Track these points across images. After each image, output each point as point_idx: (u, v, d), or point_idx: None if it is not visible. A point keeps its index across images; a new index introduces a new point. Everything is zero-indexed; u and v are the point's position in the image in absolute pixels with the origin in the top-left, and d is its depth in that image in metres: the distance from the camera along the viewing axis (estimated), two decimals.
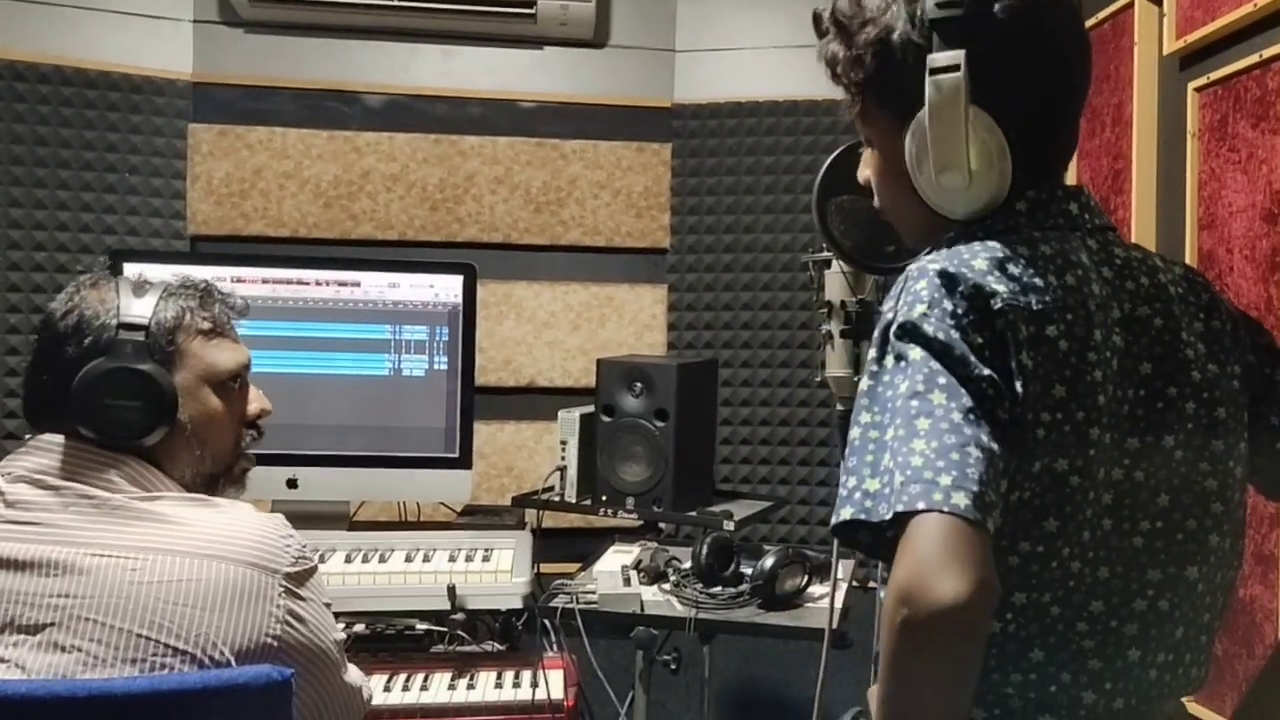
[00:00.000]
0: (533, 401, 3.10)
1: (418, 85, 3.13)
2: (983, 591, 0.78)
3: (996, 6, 0.96)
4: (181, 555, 1.11)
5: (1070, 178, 2.20)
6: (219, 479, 1.33)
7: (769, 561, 1.87)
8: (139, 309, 1.24)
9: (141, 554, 1.10)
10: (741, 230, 3.18)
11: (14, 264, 2.83)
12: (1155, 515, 0.97)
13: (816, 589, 1.83)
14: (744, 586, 1.92)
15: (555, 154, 3.17)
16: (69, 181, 2.88)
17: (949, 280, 0.91)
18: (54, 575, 1.08)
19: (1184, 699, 1.05)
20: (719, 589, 1.95)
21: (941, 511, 0.79)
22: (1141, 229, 1.98)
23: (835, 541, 0.96)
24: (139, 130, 2.96)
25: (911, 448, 0.83)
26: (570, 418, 2.42)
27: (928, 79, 0.95)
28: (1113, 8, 2.05)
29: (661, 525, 2.43)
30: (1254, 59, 1.67)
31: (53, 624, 1.06)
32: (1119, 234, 1.07)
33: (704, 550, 1.99)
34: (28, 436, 1.22)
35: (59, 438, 1.19)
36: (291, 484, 2.30)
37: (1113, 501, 0.95)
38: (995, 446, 0.85)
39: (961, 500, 0.80)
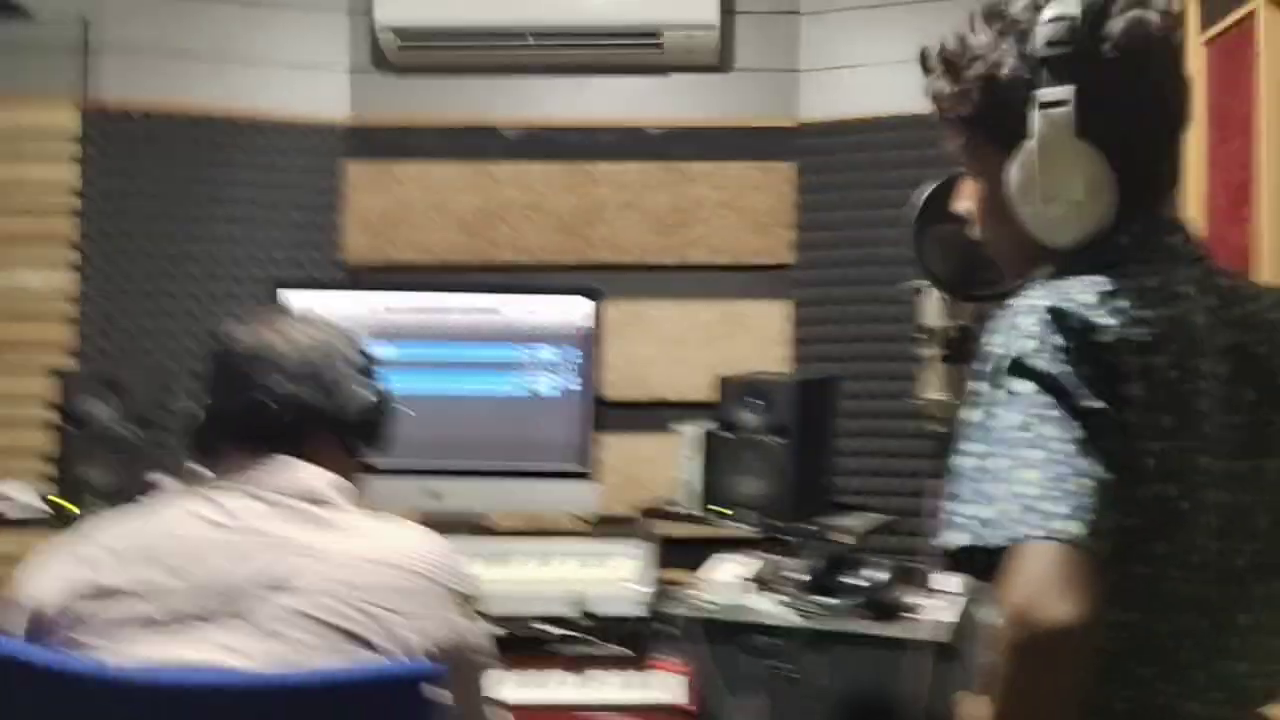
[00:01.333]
0: (661, 416, 3.20)
1: (550, 117, 3.30)
2: (1093, 614, 0.84)
3: (1105, 45, 1.01)
4: (383, 564, 1.26)
5: (1200, 187, 2.17)
6: None
7: (883, 575, 1.91)
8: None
9: (351, 560, 1.26)
10: (867, 246, 3.20)
11: (191, 294, 3.14)
12: (1259, 536, 1.00)
13: (927, 602, 1.86)
14: (856, 598, 1.97)
15: (681, 177, 3.28)
16: (239, 217, 3.18)
17: (1058, 315, 0.95)
18: (276, 575, 1.24)
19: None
20: (831, 600, 2.00)
21: (1057, 539, 0.86)
22: (1271, 240, 1.93)
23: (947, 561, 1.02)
24: (300, 171, 3.24)
25: (1026, 478, 0.89)
26: (692, 432, 2.51)
27: (1038, 112, 1.01)
28: (1236, 15, 2.01)
29: (780, 537, 2.49)
30: None
31: (272, 617, 1.21)
32: (1215, 263, 1.09)
33: (818, 563, 2.04)
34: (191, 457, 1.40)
35: (278, 456, 1.34)
36: (434, 495, 2.48)
37: (1220, 525, 0.98)
38: (1107, 476, 0.90)
39: (1074, 528, 0.86)
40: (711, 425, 2.46)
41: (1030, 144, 1.01)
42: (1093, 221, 1.03)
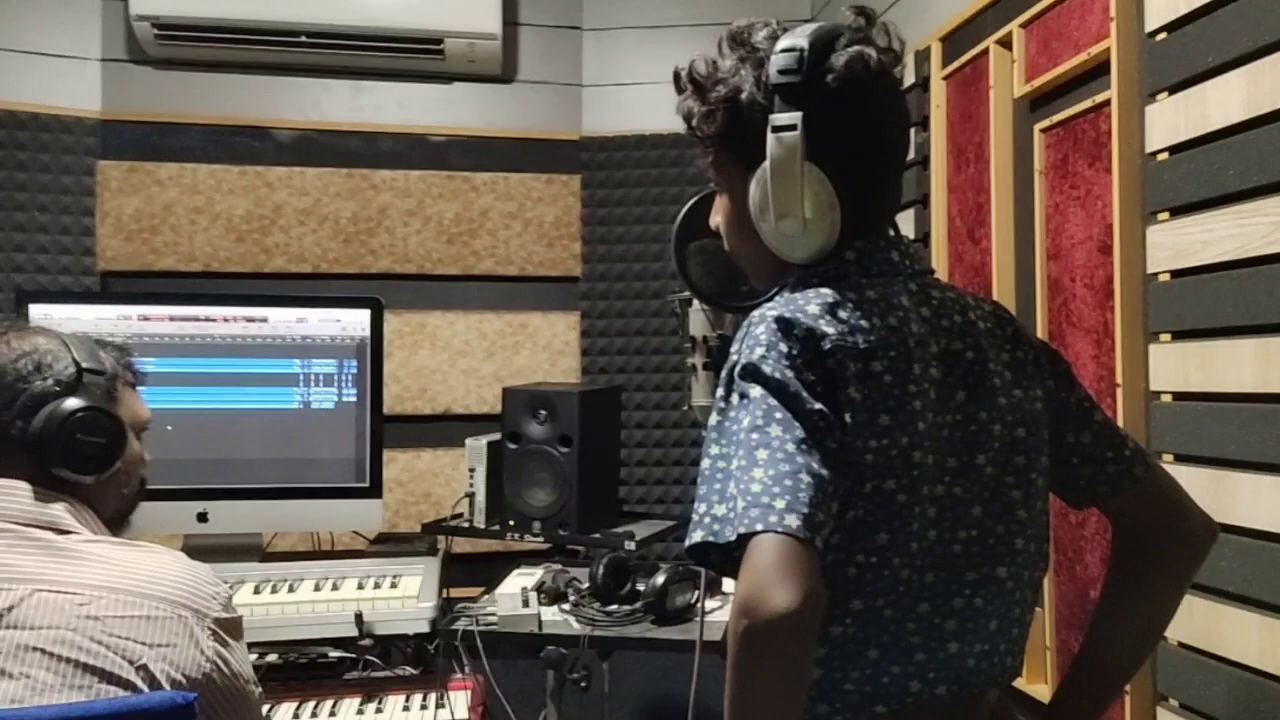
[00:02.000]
0: (448, 429, 3.17)
1: (328, 120, 3.19)
2: (811, 599, 0.90)
3: (829, 77, 1.08)
4: (124, 593, 1.17)
5: (940, 211, 2.35)
6: (126, 517, 1.41)
7: (660, 579, 1.96)
8: (89, 355, 1.32)
9: (88, 590, 1.17)
10: (650, 259, 3.29)
11: None
12: (971, 524, 1.09)
13: (707, 603, 1.92)
14: (638, 604, 2.01)
15: (466, 186, 3.25)
16: None
17: (785, 325, 1.03)
18: (3, 609, 1.13)
19: (1006, 686, 1.16)
20: (615, 607, 2.04)
21: (776, 532, 0.90)
22: (1001, 259, 2.13)
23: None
24: (47, 168, 2.98)
25: (752, 476, 0.94)
26: (478, 445, 2.49)
27: (770, 135, 1.07)
28: (972, 53, 2.20)
29: (570, 547, 2.51)
30: (1088, 103, 1.82)
31: (1, 652, 1.11)
32: (934, 276, 1.19)
33: (600, 570, 2.08)
34: None
35: (3, 480, 1.23)
36: (202, 518, 2.34)
37: (936, 515, 1.06)
38: (825, 472, 0.96)
39: (793, 521, 0.91)
40: (497, 437, 2.45)
41: (765, 164, 1.09)
42: (821, 238, 1.11)
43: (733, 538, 0.93)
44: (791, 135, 1.06)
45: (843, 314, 1.04)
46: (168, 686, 1.17)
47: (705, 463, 1.00)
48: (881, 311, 1.07)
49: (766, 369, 0.99)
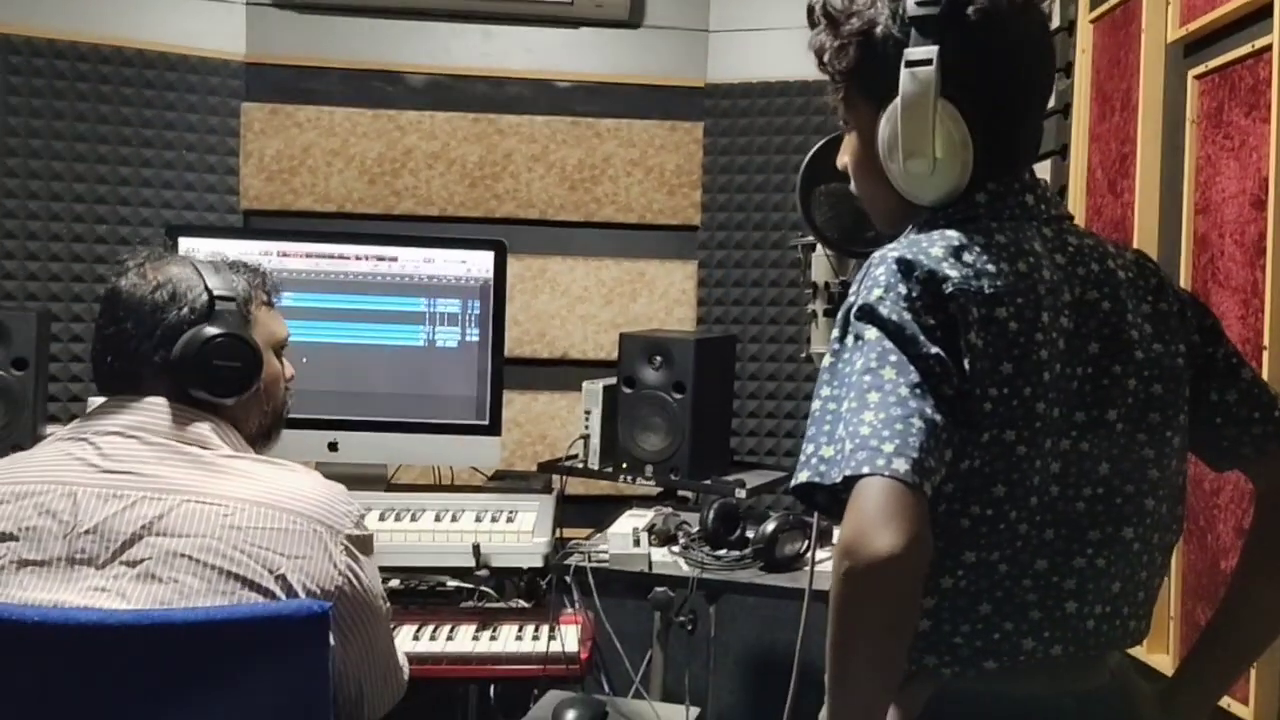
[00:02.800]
0: (565, 373, 3.22)
1: (458, 65, 3.24)
2: (916, 545, 0.88)
3: (970, 9, 1.04)
4: (265, 506, 1.25)
5: (1080, 161, 2.25)
6: (270, 433, 1.49)
7: (770, 526, 1.97)
8: (222, 282, 1.39)
9: (232, 502, 1.25)
10: (771, 209, 3.25)
11: (77, 235, 3.02)
12: (1097, 482, 1.05)
13: (818, 553, 1.92)
14: (747, 550, 2.03)
15: (590, 132, 3.27)
16: (129, 158, 3.06)
17: (906, 266, 1.00)
18: (154, 517, 1.22)
19: (1128, 650, 1.13)
20: (724, 552, 2.06)
21: (883, 475, 0.89)
22: (1144, 213, 2.03)
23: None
24: (195, 109, 3.13)
25: (862, 419, 0.93)
26: (594, 389, 2.53)
27: (903, 70, 1.04)
28: None
29: (680, 493, 2.54)
30: (1248, 49, 1.70)
31: (150, 558, 1.20)
32: (1073, 223, 1.15)
33: (710, 515, 2.09)
34: (93, 399, 1.38)
35: (151, 398, 1.32)
36: (333, 447, 2.45)
37: (1060, 470, 1.03)
38: (938, 418, 0.94)
39: (901, 465, 0.89)
40: (612, 381, 2.48)
41: (896, 100, 1.05)
42: (951, 179, 1.07)
43: (839, 480, 0.92)
44: (926, 70, 1.03)
45: (968, 257, 1.01)
46: (303, 595, 1.24)
47: (816, 404, 0.99)
48: (1011, 257, 1.03)
49: (884, 310, 0.97)
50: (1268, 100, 1.62)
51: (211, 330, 1.34)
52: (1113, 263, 1.10)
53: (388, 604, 1.40)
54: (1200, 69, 1.84)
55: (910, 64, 1.04)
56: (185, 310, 1.35)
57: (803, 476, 0.96)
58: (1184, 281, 1.88)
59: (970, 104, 1.05)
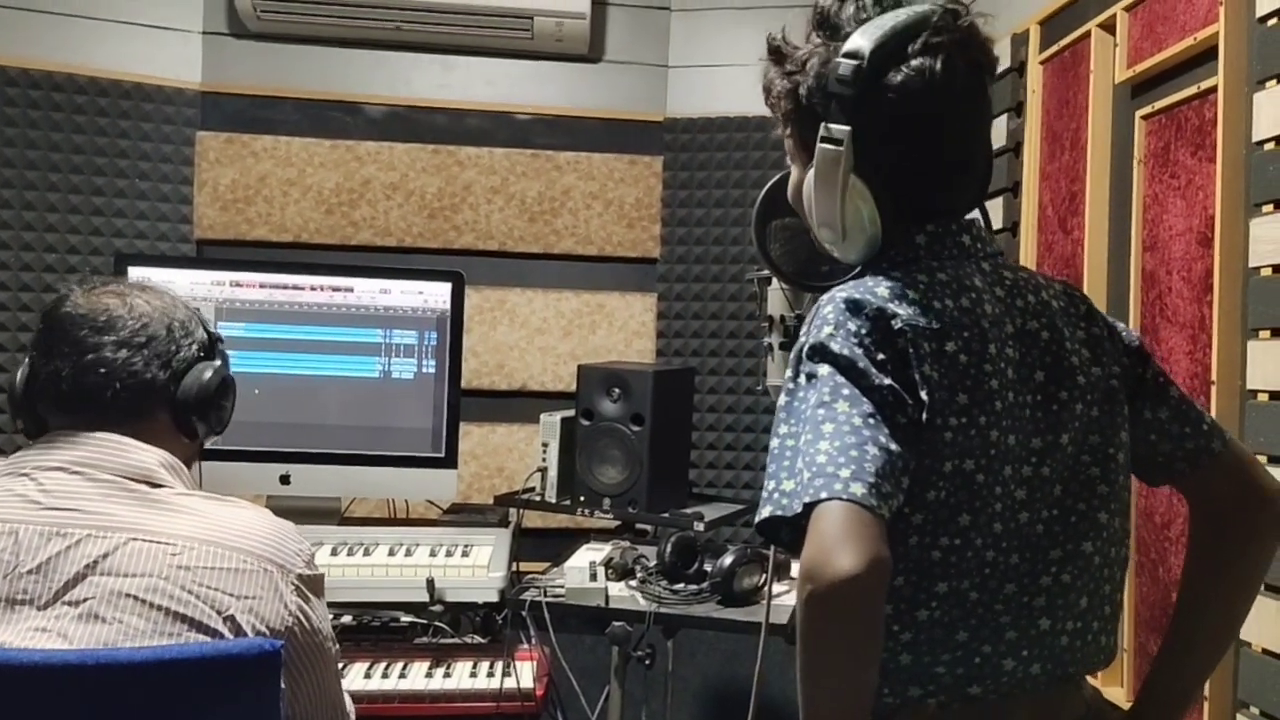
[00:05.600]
0: (524, 405, 3.20)
1: (417, 96, 3.24)
2: (876, 565, 0.89)
3: (887, 93, 1.04)
4: (214, 545, 1.22)
5: (1031, 199, 2.29)
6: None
7: (727, 560, 1.96)
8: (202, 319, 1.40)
9: (181, 540, 1.21)
10: (729, 242, 3.27)
11: (26, 264, 2.96)
12: (1052, 504, 1.07)
13: (775, 586, 1.92)
14: (704, 584, 2.01)
15: (550, 165, 3.27)
16: (80, 186, 3.01)
17: (854, 305, 1.02)
18: (98, 556, 1.18)
19: (1101, 669, 1.14)
20: (682, 586, 2.04)
21: (840, 499, 0.90)
22: (1094, 249, 2.07)
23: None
24: (149, 137, 3.09)
25: (818, 449, 0.94)
26: (551, 421, 2.51)
27: (818, 144, 1.05)
28: (1072, 36, 2.14)
29: (639, 525, 2.52)
30: (1193, 90, 1.75)
31: (93, 598, 1.16)
32: (1004, 258, 1.17)
33: (668, 548, 2.08)
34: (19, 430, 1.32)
35: (101, 433, 1.26)
36: (284, 480, 2.41)
37: (1026, 496, 1.05)
38: (893, 446, 0.95)
39: (858, 489, 0.91)
40: (570, 413, 2.47)
41: (810, 171, 1.07)
42: (857, 250, 1.09)
43: (799, 509, 0.92)
44: (837, 150, 1.04)
45: (913, 295, 1.03)
46: (251, 637, 1.21)
47: (774, 442, 1.00)
48: (954, 293, 1.05)
49: (835, 347, 0.99)
50: (1213, 140, 1.67)
51: (218, 367, 1.36)
52: (1045, 294, 1.13)
53: (337, 646, 1.37)
54: (1147, 109, 1.89)
55: (825, 140, 1.05)
56: (195, 347, 1.35)
57: (766, 512, 0.97)
58: (1133, 317, 1.91)
59: (885, 178, 1.06)
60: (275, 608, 1.23)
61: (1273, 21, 1.54)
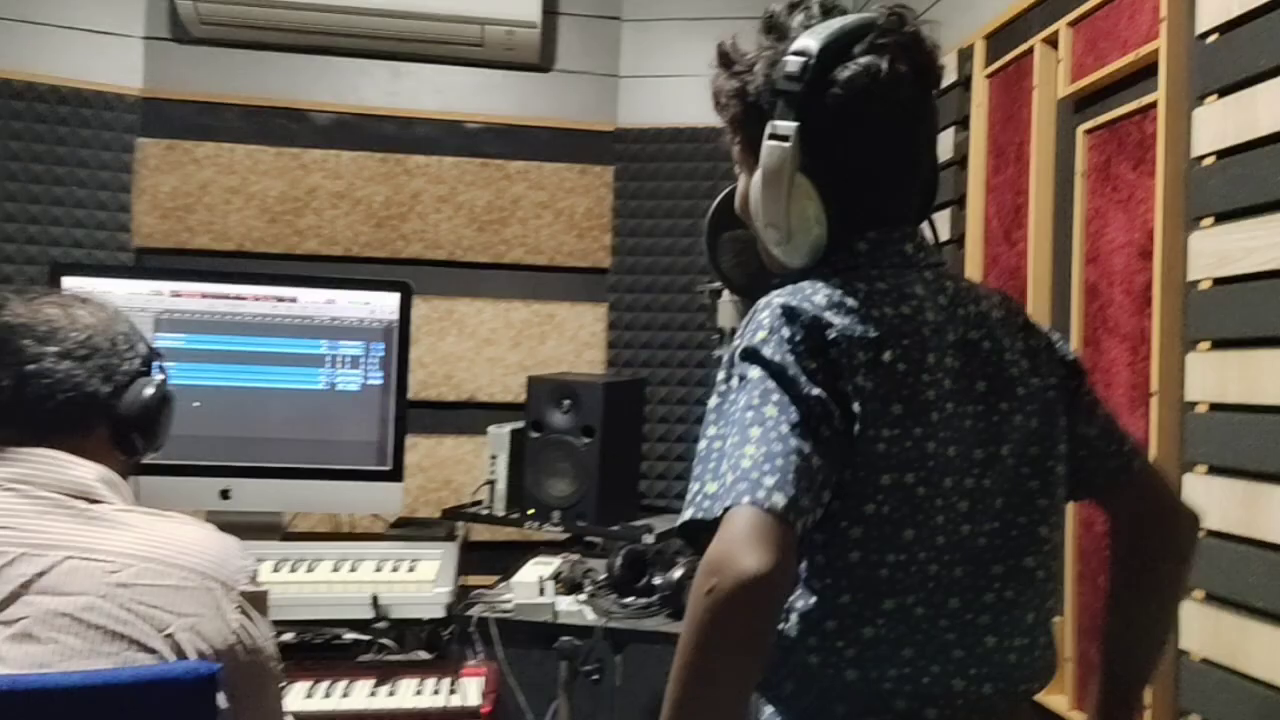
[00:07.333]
0: (472, 416, 3.17)
1: (365, 104, 3.20)
2: (780, 570, 0.88)
3: (832, 89, 1.04)
4: (154, 562, 1.18)
5: (976, 212, 2.31)
6: None
7: (677, 573, 1.95)
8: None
9: (120, 558, 1.17)
10: (680, 253, 3.27)
11: None
12: (994, 516, 1.07)
13: None
14: (654, 597, 2.00)
15: (499, 174, 3.25)
16: (16, 194, 2.93)
17: (789, 312, 1.01)
18: (34, 574, 1.14)
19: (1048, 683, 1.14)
20: (631, 599, 2.02)
21: (760, 507, 0.89)
22: (1038, 262, 2.09)
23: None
24: (87, 144, 3.01)
25: (744, 452, 0.93)
26: (500, 433, 2.49)
27: (765, 141, 1.05)
28: (1017, 51, 2.16)
29: (588, 539, 2.50)
30: (1134, 105, 1.78)
31: (27, 617, 1.11)
32: (946, 268, 1.17)
33: (618, 562, 2.06)
34: None
35: (39, 449, 1.22)
36: (225, 494, 2.35)
37: (969, 508, 1.05)
38: (816, 459, 0.94)
39: (779, 500, 0.90)
40: (520, 425, 2.44)
41: (758, 171, 1.07)
42: (802, 252, 1.08)
43: (719, 513, 0.91)
44: (784, 146, 1.03)
45: (851, 303, 1.03)
46: (193, 656, 1.17)
47: (702, 443, 0.99)
48: (894, 301, 1.05)
49: (766, 352, 0.98)
50: (1153, 154, 1.69)
51: (160, 381, 1.33)
52: (985, 304, 1.13)
53: (280, 665, 1.33)
54: (1089, 124, 1.92)
55: (772, 136, 1.04)
56: (138, 361, 1.32)
57: (687, 514, 0.96)
58: (1075, 329, 1.93)
59: (831, 178, 1.06)
60: (217, 626, 1.20)
61: (1213, 38, 1.57)
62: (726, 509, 0.91)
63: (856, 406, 0.99)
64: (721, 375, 1.02)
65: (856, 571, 1.00)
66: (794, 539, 0.91)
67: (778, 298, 1.03)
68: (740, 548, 0.87)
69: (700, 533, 0.94)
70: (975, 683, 1.05)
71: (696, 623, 0.88)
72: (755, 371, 0.98)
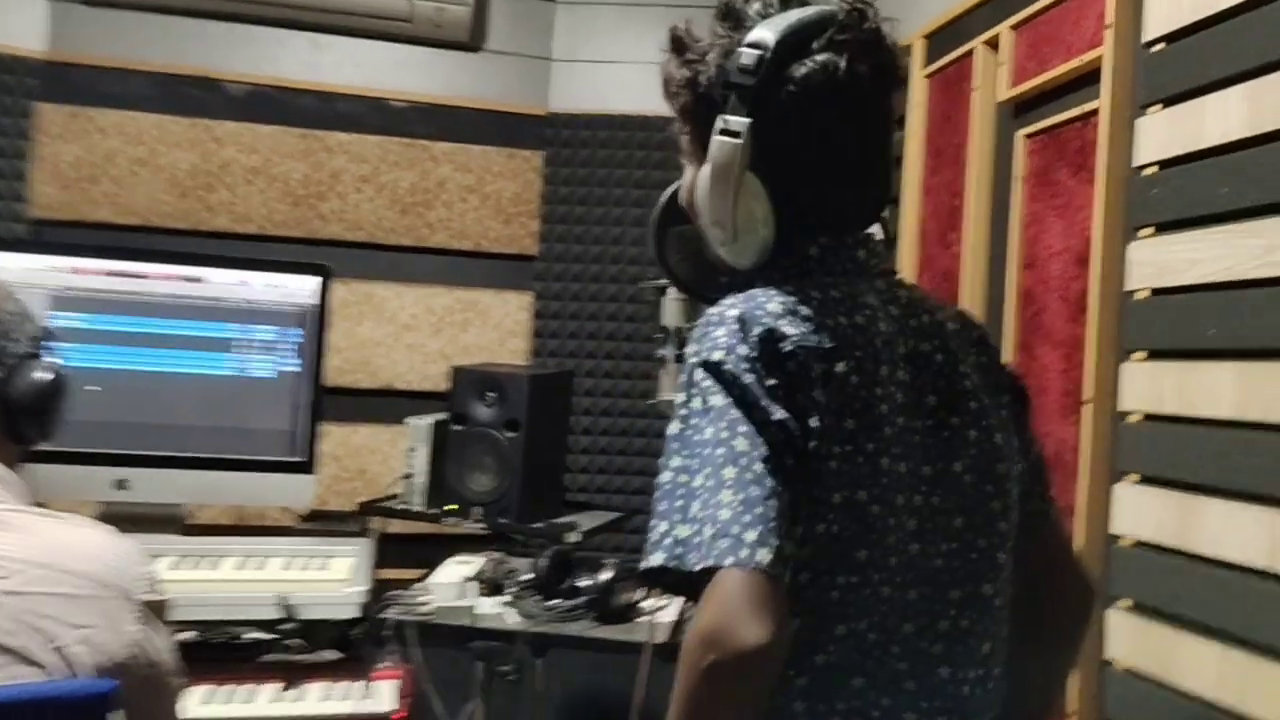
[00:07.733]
0: (390, 404, 3.06)
1: (284, 76, 3.05)
2: (781, 637, 0.85)
3: (788, 86, 0.99)
4: (46, 567, 1.09)
5: (912, 212, 2.30)
6: None
7: (605, 575, 1.89)
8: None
9: (8, 563, 1.08)
10: (609, 242, 3.20)
11: None
12: (952, 536, 1.02)
13: (652, 603, 1.86)
14: (580, 600, 1.93)
15: (424, 155, 3.13)
16: None
17: (744, 325, 0.96)
18: None
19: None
20: (556, 601, 1.96)
21: (746, 568, 0.85)
22: (973, 265, 2.08)
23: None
24: None
25: (720, 499, 0.88)
26: (420, 424, 2.39)
27: (714, 136, 0.99)
28: (957, 52, 2.15)
29: (510, 535, 2.42)
30: (1076, 111, 1.77)
31: None
32: (899, 277, 1.13)
33: (543, 563, 1.99)
34: None
35: None
36: (121, 484, 2.21)
37: (916, 526, 1.00)
38: (787, 495, 0.90)
39: (764, 556, 0.86)
40: (442, 416, 2.35)
41: (706, 166, 1.01)
42: (749, 253, 1.04)
43: (697, 569, 0.86)
44: (734, 143, 0.98)
45: (805, 311, 0.98)
46: (86, 670, 1.08)
47: (666, 475, 0.93)
48: (848, 310, 1.00)
49: (727, 373, 0.93)
50: (1094, 162, 1.68)
51: (54, 364, 1.23)
52: (940, 315, 1.09)
53: (181, 679, 1.24)
54: (1029, 129, 1.91)
55: (723, 132, 0.99)
56: (25, 343, 1.22)
57: (657, 559, 0.90)
58: (1009, 334, 1.93)
59: (781, 176, 1.01)
60: (113, 637, 1.11)
61: (1160, 46, 1.56)
62: (709, 568, 0.86)
63: (814, 421, 0.94)
64: (681, 397, 0.96)
65: (806, 594, 0.94)
66: (785, 591, 0.87)
67: (731, 309, 0.98)
68: (737, 619, 0.84)
69: (665, 575, 0.90)
70: (927, 716, 1.00)
71: (694, 696, 0.86)
72: (718, 398, 0.93)
